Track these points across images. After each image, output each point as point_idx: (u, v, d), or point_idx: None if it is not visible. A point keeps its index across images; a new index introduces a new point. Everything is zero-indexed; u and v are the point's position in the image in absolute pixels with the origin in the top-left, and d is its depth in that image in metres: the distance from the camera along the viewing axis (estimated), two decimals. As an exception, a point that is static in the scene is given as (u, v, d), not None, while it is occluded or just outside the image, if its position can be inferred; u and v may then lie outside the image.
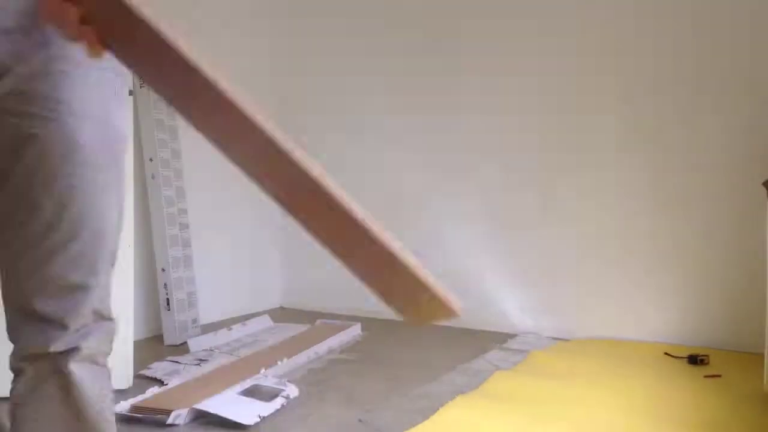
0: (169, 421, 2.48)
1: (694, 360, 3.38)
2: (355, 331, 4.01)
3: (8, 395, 1.28)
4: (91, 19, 1.02)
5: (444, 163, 4.34)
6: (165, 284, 3.77)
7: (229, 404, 2.61)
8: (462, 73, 4.28)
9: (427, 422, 2.54)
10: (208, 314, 4.20)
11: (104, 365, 1.33)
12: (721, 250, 3.66)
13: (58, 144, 1.22)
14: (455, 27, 4.28)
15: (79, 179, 1.24)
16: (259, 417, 2.54)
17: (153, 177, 3.76)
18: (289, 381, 2.98)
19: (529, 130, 4.10)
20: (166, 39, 0.97)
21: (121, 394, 2.77)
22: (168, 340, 3.74)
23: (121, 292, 2.80)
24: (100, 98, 1.27)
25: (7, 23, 1.18)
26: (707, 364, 3.35)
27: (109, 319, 1.34)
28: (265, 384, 2.88)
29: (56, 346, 1.25)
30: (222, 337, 3.76)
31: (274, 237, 4.87)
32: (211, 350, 3.54)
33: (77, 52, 1.09)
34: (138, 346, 3.25)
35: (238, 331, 3.92)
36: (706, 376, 3.18)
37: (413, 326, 3.95)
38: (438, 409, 2.66)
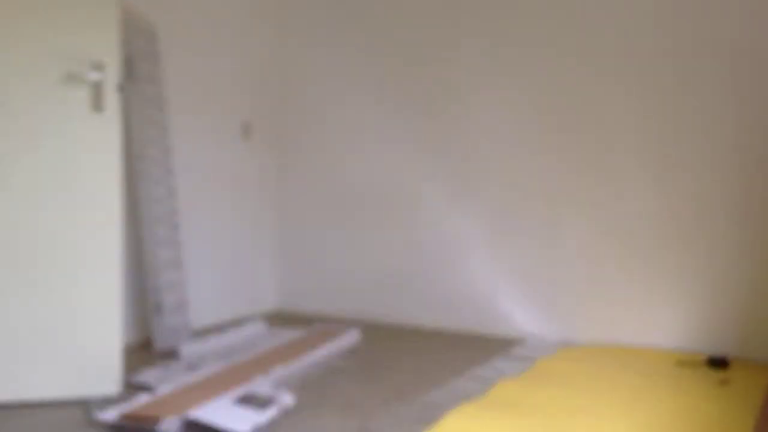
0: (160, 429, 2.43)
1: (716, 363, 3.39)
2: (353, 336, 3.94)
3: (9, 398, 1.20)
4: None
5: (448, 170, 4.28)
6: (155, 287, 3.69)
7: (221, 412, 2.56)
8: (466, 77, 4.22)
9: (429, 431, 2.47)
10: (200, 318, 4.14)
11: None
12: (732, 256, 3.60)
13: None
14: (456, 32, 4.23)
15: None
16: (253, 425, 2.49)
17: (142, 175, 3.68)
18: (284, 388, 2.93)
19: (535, 135, 4.05)
20: None
21: (109, 401, 2.74)
22: (158, 345, 3.67)
23: (109, 295, 2.79)
24: None
25: None
26: (727, 367, 3.36)
27: None
28: (259, 391, 2.82)
29: None
30: (215, 342, 3.71)
31: (269, 238, 4.81)
32: (204, 356, 3.48)
33: None
34: (126, 351, 3.24)
35: (231, 336, 3.85)
36: (719, 382, 3.12)
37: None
38: (441, 417, 2.60)
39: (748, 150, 3.56)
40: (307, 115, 4.72)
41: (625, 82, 3.81)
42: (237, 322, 4.22)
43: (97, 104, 2.78)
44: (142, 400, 2.70)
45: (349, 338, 3.89)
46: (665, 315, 3.74)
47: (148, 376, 3.11)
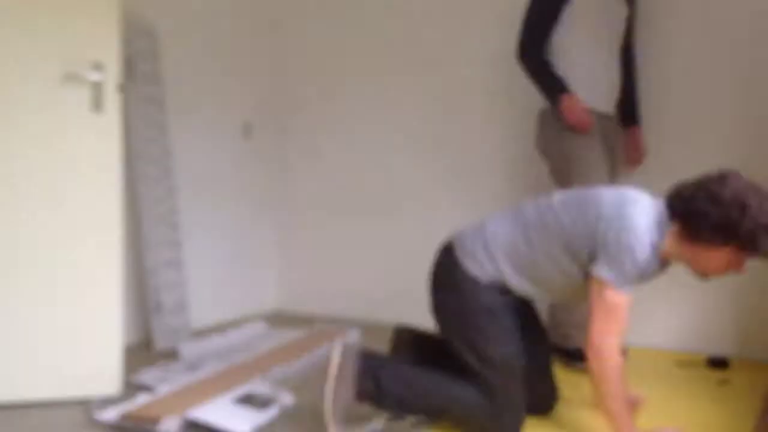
0: (159, 429, 2.43)
1: (716, 363, 3.38)
2: (353, 336, 3.94)
3: (9, 398, 1.21)
4: None
5: (448, 166, 4.29)
6: (155, 287, 3.70)
7: (221, 412, 2.56)
8: (464, 77, 4.23)
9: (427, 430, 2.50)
10: (200, 319, 4.13)
11: None
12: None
13: None
14: (457, 31, 4.23)
15: None
16: (253, 425, 2.50)
17: (142, 175, 3.69)
18: (284, 388, 2.92)
19: (529, 132, 4.05)
20: None
21: (109, 401, 2.74)
22: (158, 345, 3.67)
23: (109, 295, 2.80)
24: None
25: None
26: (727, 368, 3.35)
27: None
28: (259, 391, 2.82)
29: None
30: (215, 342, 3.70)
31: (269, 238, 4.81)
32: (204, 356, 3.47)
33: None
34: (126, 351, 3.19)
35: (231, 336, 3.84)
36: (718, 382, 3.14)
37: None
38: (439, 419, 2.58)
39: (744, 149, 3.57)
40: (308, 116, 4.72)
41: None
42: (237, 322, 4.22)
43: (98, 104, 2.78)
44: (142, 400, 2.70)
45: (349, 339, 3.90)
46: (665, 315, 3.75)
47: (148, 376, 3.11)
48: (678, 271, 3.69)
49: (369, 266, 4.52)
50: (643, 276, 2.33)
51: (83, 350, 2.79)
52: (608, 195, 2.39)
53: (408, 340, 2.76)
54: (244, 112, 4.57)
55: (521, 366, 2.43)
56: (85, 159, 2.78)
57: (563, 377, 3.03)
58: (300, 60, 4.74)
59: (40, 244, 2.73)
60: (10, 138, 2.69)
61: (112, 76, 2.81)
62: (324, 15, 4.65)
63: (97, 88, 2.78)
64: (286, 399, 2.76)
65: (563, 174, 3.31)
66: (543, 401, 2.65)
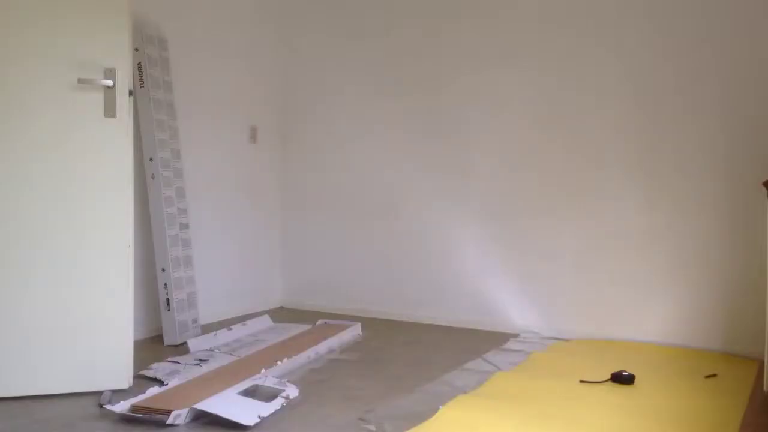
0: (169, 421, 2.48)
1: (620, 379, 3.10)
2: (356, 330, 4.01)
3: (25, 392, 1.24)
4: None
5: (445, 166, 4.35)
6: (165, 284, 3.77)
7: (229, 404, 2.60)
8: (462, 73, 4.29)
9: (427, 422, 2.54)
10: (208, 314, 4.21)
11: None
12: (721, 251, 3.66)
13: None
14: (454, 29, 4.30)
15: None
16: (259, 417, 2.53)
17: (153, 177, 3.76)
18: (289, 381, 2.98)
19: (529, 133, 4.11)
20: None
21: (121, 394, 2.79)
22: (168, 340, 3.74)
23: (121, 292, 2.88)
24: None
25: None
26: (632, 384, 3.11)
27: None
28: (265, 384, 2.87)
29: None
30: (222, 337, 3.76)
31: (274, 237, 4.88)
32: (211, 350, 3.54)
33: None
34: (138, 346, 3.25)
35: (238, 331, 3.91)
36: (706, 377, 3.18)
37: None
38: (439, 409, 2.66)
39: (735, 150, 3.62)
40: (312, 120, 4.79)
41: (623, 83, 3.88)
42: (244, 318, 4.27)
43: (110, 109, 2.83)
44: (152, 392, 2.74)
45: (352, 333, 3.95)
46: (655, 311, 3.81)
47: (158, 369, 3.17)
48: (669, 268, 3.77)
49: (369, 264, 4.59)
50: None
51: (96, 345, 2.85)
52: None
53: None
54: (250, 116, 4.63)
55: None
56: (98, 161, 2.85)
57: None
58: (304, 67, 4.80)
59: (56, 243, 2.79)
60: (26, 141, 2.75)
61: (123, 82, 2.86)
62: (328, 22, 4.71)
63: (109, 94, 2.83)
64: (291, 391, 2.81)
65: None
66: None
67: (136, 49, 3.66)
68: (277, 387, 2.84)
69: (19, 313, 2.76)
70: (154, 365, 3.24)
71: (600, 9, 3.91)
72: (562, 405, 2.75)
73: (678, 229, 3.75)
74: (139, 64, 3.70)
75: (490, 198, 4.22)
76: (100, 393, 2.81)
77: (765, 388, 2.90)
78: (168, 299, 3.76)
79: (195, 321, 3.93)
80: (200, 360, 3.34)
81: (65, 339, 2.81)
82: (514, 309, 4.15)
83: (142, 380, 3.00)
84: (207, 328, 4.00)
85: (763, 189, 2.94)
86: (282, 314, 4.63)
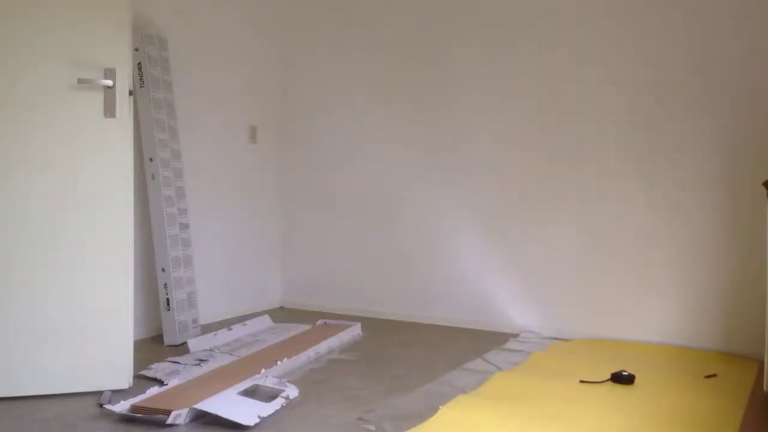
0: (169, 421, 2.48)
1: (620, 379, 3.10)
2: (356, 330, 4.01)
3: (9, 395, 1.27)
4: None
5: (444, 166, 4.36)
6: (165, 284, 3.77)
7: (229, 404, 2.60)
8: (462, 75, 4.30)
9: (427, 422, 2.54)
10: (208, 314, 4.21)
11: None
12: (721, 251, 3.67)
13: None
14: (455, 33, 4.30)
15: None
16: (259, 417, 2.53)
17: (153, 177, 3.76)
18: (289, 381, 2.98)
19: (528, 133, 4.11)
20: None
21: (121, 394, 2.79)
22: (168, 340, 3.74)
23: (121, 292, 2.88)
24: None
25: None
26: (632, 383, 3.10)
27: None
28: (265, 384, 2.88)
29: None
30: (222, 337, 3.76)
31: (274, 237, 4.89)
32: (211, 350, 3.54)
33: None
34: (138, 346, 3.26)
35: (238, 331, 3.91)
36: (706, 377, 3.19)
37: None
38: (438, 409, 2.67)
39: (735, 148, 3.62)
40: (311, 120, 4.80)
41: (623, 85, 3.88)
42: (244, 318, 4.28)
43: (110, 109, 2.84)
44: (152, 392, 2.74)
45: (352, 333, 3.96)
46: (655, 311, 3.81)
47: (158, 369, 3.17)
48: (669, 268, 3.77)
49: (368, 264, 4.59)
50: None
51: (96, 345, 2.86)
52: None
53: None
54: (250, 116, 4.64)
55: None
56: (98, 161, 2.85)
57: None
58: (304, 68, 4.82)
59: (56, 243, 2.80)
60: (27, 141, 2.75)
61: (123, 82, 2.87)
62: (327, 22, 4.73)
63: (109, 94, 2.84)
64: (291, 391, 2.81)
65: None
66: None
67: (136, 49, 3.67)
68: (277, 387, 2.85)
69: (19, 313, 2.76)
70: (154, 365, 3.24)
71: (601, 12, 3.91)
72: (562, 405, 2.76)
73: (678, 229, 3.76)
74: (139, 64, 3.70)
75: (490, 198, 4.23)
76: (100, 393, 2.81)
77: (765, 388, 2.90)
78: (168, 299, 3.76)
79: (195, 321, 3.93)
80: (200, 360, 3.35)
81: (65, 339, 2.82)
82: (514, 309, 4.16)
83: (142, 380, 3.00)
84: (207, 328, 4.00)
85: (763, 189, 2.94)
86: (282, 314, 4.64)
